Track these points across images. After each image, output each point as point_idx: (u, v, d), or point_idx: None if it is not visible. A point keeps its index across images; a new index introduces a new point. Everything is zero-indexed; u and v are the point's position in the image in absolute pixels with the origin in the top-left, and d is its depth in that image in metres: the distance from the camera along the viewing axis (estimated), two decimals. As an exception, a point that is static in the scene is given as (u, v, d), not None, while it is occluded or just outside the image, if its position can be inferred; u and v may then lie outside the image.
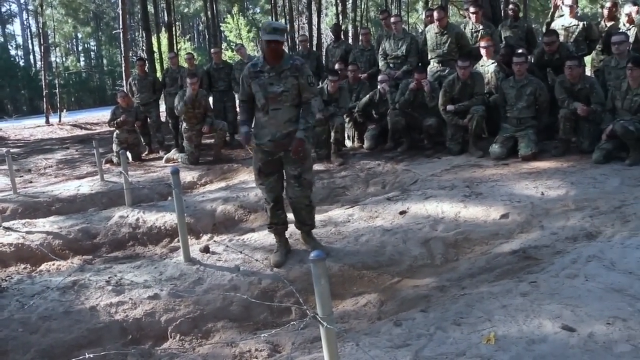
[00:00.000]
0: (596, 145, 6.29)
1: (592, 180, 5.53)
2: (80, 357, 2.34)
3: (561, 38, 7.65)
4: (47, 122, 18.43)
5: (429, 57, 8.36)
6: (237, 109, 10.33)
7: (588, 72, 8.62)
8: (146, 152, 10.22)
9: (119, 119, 9.47)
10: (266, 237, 4.84)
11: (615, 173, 5.68)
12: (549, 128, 7.17)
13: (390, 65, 8.68)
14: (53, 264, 5.16)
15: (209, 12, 21.57)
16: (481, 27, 8.24)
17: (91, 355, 2.29)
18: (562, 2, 8.08)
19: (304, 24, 25.06)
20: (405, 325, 3.18)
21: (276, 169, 4.42)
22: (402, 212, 5.28)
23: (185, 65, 10.99)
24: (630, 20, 7.73)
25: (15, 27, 47.53)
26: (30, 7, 35.33)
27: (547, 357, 2.79)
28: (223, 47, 23.56)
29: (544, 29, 8.63)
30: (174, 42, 18.92)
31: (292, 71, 4.22)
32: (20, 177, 9.17)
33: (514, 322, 3.10)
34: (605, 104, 6.49)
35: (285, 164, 4.36)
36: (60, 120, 18.91)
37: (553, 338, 2.95)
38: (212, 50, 11.54)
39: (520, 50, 7.48)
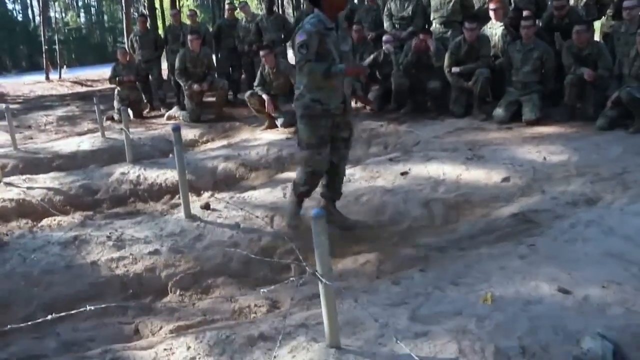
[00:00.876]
0: (601, 112, 6.24)
1: (595, 147, 5.51)
2: (81, 309, 2.36)
3: (571, 2, 7.51)
4: (47, 78, 18.27)
5: (432, 18, 8.22)
6: (243, 68, 10.34)
7: (597, 37, 8.49)
8: (147, 110, 10.16)
9: (121, 77, 9.38)
10: (267, 195, 4.84)
11: (618, 140, 5.66)
12: (555, 94, 7.10)
13: (396, 26, 8.54)
14: (54, 219, 5.19)
15: (212, -32, 21.16)
16: (488, -12, 8.07)
17: (92, 308, 2.31)
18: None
19: (308, -18, 24.59)
20: (403, 284, 3.21)
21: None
22: (404, 173, 5.28)
23: (188, 22, 10.83)
24: (644, -15, 7.56)
25: (13, -20, 46.74)
26: (29, -40, 34.68)
27: (542, 318, 2.83)
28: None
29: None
30: (176, -2, 18.57)
31: (346, 30, 4.16)
32: (20, 133, 9.14)
33: (511, 283, 3.13)
34: (612, 70, 6.41)
35: (337, 128, 4.10)
36: (60, 77, 18.75)
37: (549, 300, 2.98)
38: (226, 5, 11.39)
39: (527, 14, 7.35)
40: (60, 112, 11.22)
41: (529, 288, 3.08)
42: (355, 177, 5.06)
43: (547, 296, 3.01)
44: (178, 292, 3.85)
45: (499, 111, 6.87)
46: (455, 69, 7.24)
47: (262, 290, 2.54)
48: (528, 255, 3.43)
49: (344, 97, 4.02)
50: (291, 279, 2.71)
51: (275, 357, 2.66)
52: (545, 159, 5.25)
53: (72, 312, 2.50)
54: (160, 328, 3.39)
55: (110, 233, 4.33)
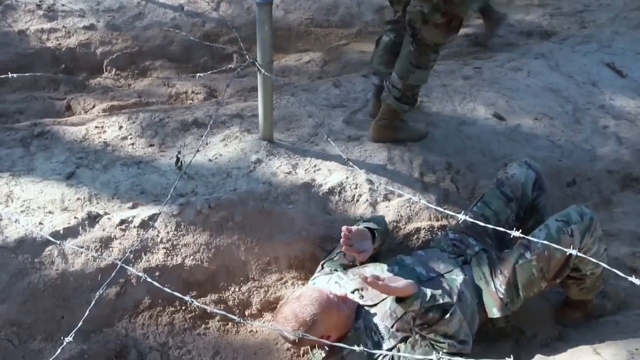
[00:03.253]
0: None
1: (563, -21, 5.30)
2: (4, 76, 2.20)
3: None
4: None
5: None
6: None
7: None
8: None
9: None
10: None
11: (587, -24, 5.44)
12: None
13: None
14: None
15: None
16: None
17: (14, 75, 2.16)
18: None
19: None
20: (344, 87, 3.18)
21: None
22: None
23: None
24: None
25: None
26: None
27: (472, 138, 2.92)
28: None
29: None
30: None
31: None
32: None
33: (450, 102, 3.16)
34: None
35: None
36: None
37: (483, 123, 3.05)
38: None
39: None
40: None
41: (466, 109, 3.13)
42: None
43: (482, 119, 3.08)
44: (114, 72, 3.70)
45: None
46: None
47: (199, 75, 2.43)
48: (472, 77, 3.43)
49: None
50: (229, 66, 2.61)
51: (207, 143, 2.67)
52: (509, -15, 5.03)
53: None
54: (93, 106, 3.31)
55: (40, 1, 3.97)
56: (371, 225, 2.05)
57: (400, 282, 1.75)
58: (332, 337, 1.83)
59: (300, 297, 1.85)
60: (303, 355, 2.07)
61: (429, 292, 1.76)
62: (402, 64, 2.53)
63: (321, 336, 1.83)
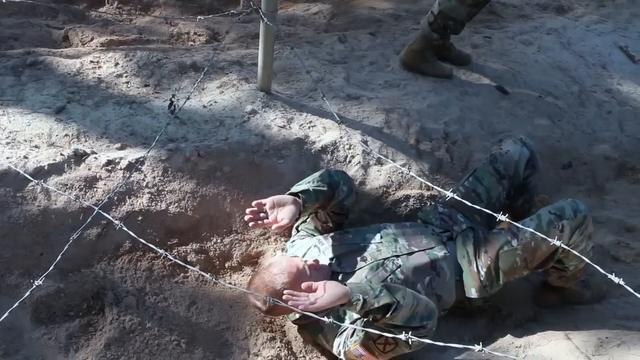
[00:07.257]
0: None
1: (585, -48, 5.11)
2: None
3: None
4: None
5: None
6: None
7: None
8: None
9: None
10: None
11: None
12: None
13: None
14: None
15: None
16: None
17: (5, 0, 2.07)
18: None
19: None
20: (349, 44, 3.11)
21: None
22: None
23: None
24: None
25: None
26: None
27: (473, 110, 2.86)
28: None
29: None
30: None
31: None
32: None
33: (455, 70, 3.07)
34: None
35: None
36: None
37: (485, 95, 2.99)
38: None
39: None
40: None
41: (470, 79, 3.06)
42: None
43: (485, 91, 3.01)
44: (116, 4, 3.61)
45: None
46: None
47: (199, 17, 2.35)
48: (481, 46, 3.34)
49: None
50: (232, 11, 2.52)
51: (203, 88, 2.61)
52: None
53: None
54: (92, 39, 3.22)
55: None
56: (307, 186, 1.92)
57: (334, 291, 1.63)
58: None
59: (270, 267, 1.85)
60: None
61: (361, 297, 1.63)
62: None
63: None
